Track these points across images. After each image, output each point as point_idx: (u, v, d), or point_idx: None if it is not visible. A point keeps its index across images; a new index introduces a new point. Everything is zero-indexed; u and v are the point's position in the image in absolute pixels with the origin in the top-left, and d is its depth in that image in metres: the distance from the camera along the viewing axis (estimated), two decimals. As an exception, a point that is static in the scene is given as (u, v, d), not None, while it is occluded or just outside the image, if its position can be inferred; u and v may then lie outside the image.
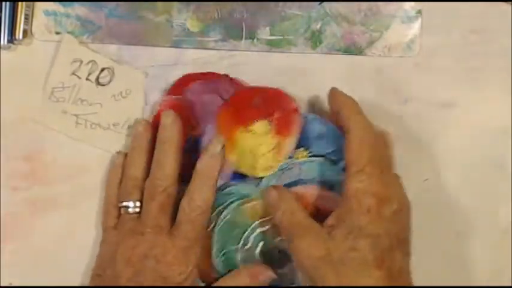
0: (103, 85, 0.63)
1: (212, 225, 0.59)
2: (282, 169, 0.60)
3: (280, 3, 0.63)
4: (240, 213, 0.59)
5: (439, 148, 0.63)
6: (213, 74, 0.62)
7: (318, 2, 0.63)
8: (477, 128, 0.63)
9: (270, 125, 0.60)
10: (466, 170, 0.63)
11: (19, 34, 0.62)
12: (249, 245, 0.59)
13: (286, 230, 0.56)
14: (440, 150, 0.63)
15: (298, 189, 0.59)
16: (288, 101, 0.60)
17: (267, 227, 0.59)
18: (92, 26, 0.63)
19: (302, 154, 0.60)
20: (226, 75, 0.62)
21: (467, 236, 0.63)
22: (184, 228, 0.56)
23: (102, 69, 0.63)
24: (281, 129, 0.60)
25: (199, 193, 0.57)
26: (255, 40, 0.63)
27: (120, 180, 0.60)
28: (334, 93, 0.59)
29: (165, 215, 0.57)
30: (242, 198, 0.59)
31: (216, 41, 0.63)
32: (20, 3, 0.61)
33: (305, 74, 0.64)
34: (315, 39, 0.63)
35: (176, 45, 0.63)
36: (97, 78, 0.63)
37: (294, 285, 0.59)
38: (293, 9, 0.63)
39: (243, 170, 0.60)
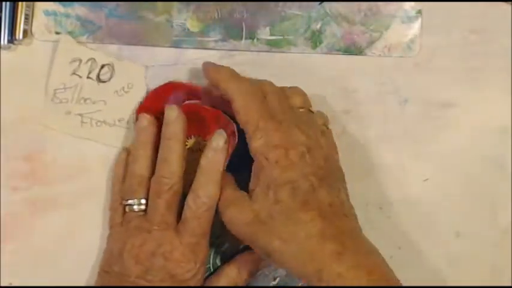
0: (104, 82, 0.63)
1: None
2: None
3: (280, 3, 0.63)
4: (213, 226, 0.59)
5: (439, 148, 0.63)
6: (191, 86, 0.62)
7: (318, 2, 0.63)
8: (477, 128, 0.63)
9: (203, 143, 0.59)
10: (466, 170, 0.63)
11: (19, 34, 0.62)
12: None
13: (220, 213, 0.56)
14: (440, 150, 0.63)
15: None
16: (226, 123, 0.59)
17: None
18: (92, 26, 0.63)
19: None
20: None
21: (467, 236, 0.63)
22: (190, 225, 0.56)
23: (102, 66, 0.63)
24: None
25: (205, 189, 0.56)
26: (255, 40, 0.63)
27: (125, 176, 0.60)
28: (205, 69, 0.60)
29: (172, 213, 0.57)
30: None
31: (216, 41, 0.63)
32: (20, 3, 0.61)
33: (305, 74, 0.64)
34: (315, 39, 0.63)
35: (176, 45, 0.63)
36: (98, 76, 0.63)
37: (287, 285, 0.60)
38: (293, 9, 0.63)
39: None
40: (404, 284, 0.60)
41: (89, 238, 0.62)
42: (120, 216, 0.59)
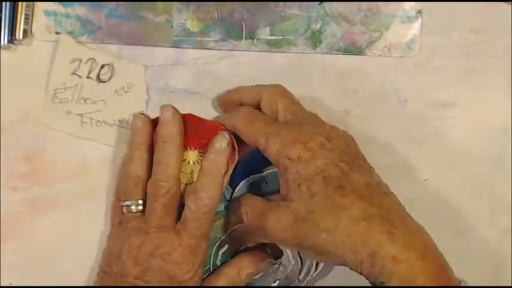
0: (104, 82, 0.63)
1: None
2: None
3: (280, 3, 0.63)
4: (213, 229, 0.59)
5: (439, 148, 0.63)
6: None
7: (318, 2, 0.63)
8: (477, 128, 0.63)
9: (201, 156, 0.58)
10: (466, 170, 0.63)
11: (19, 34, 0.62)
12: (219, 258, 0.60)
13: (254, 224, 0.56)
14: (440, 150, 0.63)
15: None
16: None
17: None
18: (92, 26, 0.63)
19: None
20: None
21: (467, 236, 0.63)
22: (191, 226, 0.56)
23: (102, 66, 0.63)
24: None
25: (206, 191, 0.56)
26: (255, 40, 0.63)
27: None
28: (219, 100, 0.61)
29: (170, 215, 0.56)
30: (217, 214, 0.59)
31: (216, 41, 0.63)
32: (20, 3, 0.61)
33: (305, 74, 0.64)
34: (315, 39, 0.63)
35: (176, 45, 0.63)
36: (98, 76, 0.63)
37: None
38: (293, 9, 0.63)
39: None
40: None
41: (89, 238, 0.62)
42: (119, 216, 0.58)
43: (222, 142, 0.57)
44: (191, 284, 0.56)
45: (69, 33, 0.62)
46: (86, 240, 0.62)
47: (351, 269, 0.51)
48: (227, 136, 0.57)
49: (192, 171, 0.58)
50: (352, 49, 0.64)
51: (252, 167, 0.60)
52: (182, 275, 0.56)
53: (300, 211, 0.52)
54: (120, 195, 0.59)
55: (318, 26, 0.63)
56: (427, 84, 0.63)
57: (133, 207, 0.57)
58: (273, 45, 0.63)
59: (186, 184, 0.58)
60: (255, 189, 0.61)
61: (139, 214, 0.57)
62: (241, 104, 0.60)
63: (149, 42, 0.63)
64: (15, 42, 0.62)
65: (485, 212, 0.63)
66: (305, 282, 0.61)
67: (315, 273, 0.61)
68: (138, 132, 0.59)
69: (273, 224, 0.53)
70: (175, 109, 0.58)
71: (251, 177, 0.60)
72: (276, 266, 0.60)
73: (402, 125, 0.63)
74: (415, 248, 0.50)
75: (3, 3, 0.61)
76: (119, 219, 0.58)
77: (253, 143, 0.56)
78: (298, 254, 0.60)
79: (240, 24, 0.63)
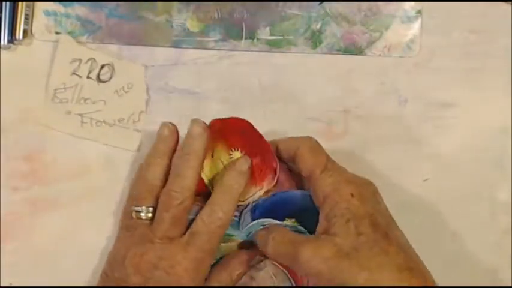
0: (104, 82, 0.63)
1: None
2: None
3: (280, 3, 0.63)
4: (218, 250, 0.58)
5: (439, 148, 0.63)
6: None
7: (318, 2, 0.63)
8: (477, 128, 0.63)
9: None
10: (466, 170, 0.63)
11: (19, 34, 0.62)
12: None
13: (284, 253, 0.55)
14: (440, 150, 0.63)
15: None
16: (272, 158, 0.58)
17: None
18: (92, 26, 0.63)
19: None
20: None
21: (467, 236, 0.63)
22: (201, 239, 0.55)
23: (102, 66, 0.63)
24: (252, 174, 0.58)
25: (222, 205, 0.55)
26: (255, 40, 0.63)
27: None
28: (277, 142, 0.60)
29: (178, 228, 0.55)
30: (227, 236, 0.58)
31: (216, 41, 0.63)
32: (20, 3, 0.61)
33: (305, 74, 0.64)
34: (314, 39, 0.63)
35: (176, 45, 0.63)
36: (98, 76, 0.63)
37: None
38: (293, 9, 0.63)
39: (207, 181, 0.59)
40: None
41: (89, 238, 0.62)
42: (128, 220, 0.57)
43: (243, 165, 0.57)
44: None
45: (69, 33, 0.63)
46: (86, 240, 0.62)
47: None
48: (249, 161, 0.57)
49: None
50: (352, 49, 0.64)
51: (272, 211, 0.58)
52: None
53: (344, 246, 0.52)
54: (132, 199, 0.58)
55: (318, 26, 0.63)
56: (427, 84, 0.63)
57: (143, 213, 0.56)
58: (273, 45, 0.63)
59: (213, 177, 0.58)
60: None
61: (148, 222, 0.56)
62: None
63: (149, 42, 0.63)
64: (15, 42, 0.62)
65: (485, 212, 0.63)
66: None
67: None
68: (162, 140, 0.58)
69: (310, 254, 0.52)
70: (205, 125, 0.57)
71: (269, 220, 0.58)
72: None
73: (402, 125, 0.63)
74: None
75: (3, 3, 0.61)
76: (128, 223, 0.57)
77: (308, 170, 0.56)
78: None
79: (240, 24, 0.63)
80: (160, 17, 0.63)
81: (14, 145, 0.62)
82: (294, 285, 0.60)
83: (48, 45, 0.63)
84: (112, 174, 0.62)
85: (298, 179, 0.60)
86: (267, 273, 0.61)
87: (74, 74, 0.62)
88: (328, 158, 0.56)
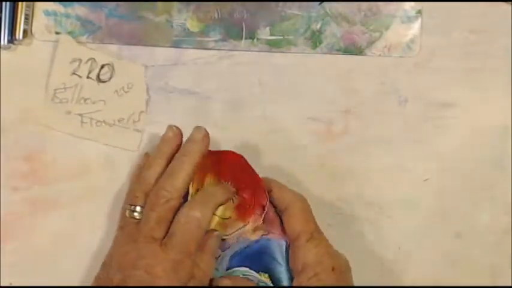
0: (104, 82, 0.63)
1: None
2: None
3: (280, 3, 0.63)
4: None
5: (439, 148, 0.63)
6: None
7: (318, 2, 0.63)
8: (477, 128, 0.63)
9: (234, 197, 0.59)
10: (466, 170, 0.63)
11: (19, 34, 0.62)
12: None
13: None
14: (440, 150, 0.63)
15: None
16: (262, 194, 0.58)
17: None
18: (92, 26, 0.63)
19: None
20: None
21: (467, 236, 0.63)
22: (178, 240, 0.54)
23: (102, 66, 0.63)
24: (240, 209, 0.58)
25: (201, 209, 0.55)
26: (255, 40, 0.63)
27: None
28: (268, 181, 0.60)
29: (162, 228, 0.55)
30: None
31: (216, 41, 0.63)
32: (20, 3, 0.61)
33: (305, 74, 0.64)
34: (314, 39, 0.63)
35: (176, 45, 0.63)
36: (98, 76, 0.63)
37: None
38: (293, 9, 0.63)
39: None
40: (404, 284, 0.60)
41: (89, 238, 0.62)
42: (123, 219, 0.58)
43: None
44: None
45: (69, 33, 0.62)
46: (86, 240, 0.61)
47: None
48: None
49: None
50: (352, 49, 0.64)
51: (251, 257, 0.58)
52: None
53: None
54: (127, 198, 0.58)
55: (318, 26, 0.63)
56: (427, 84, 0.63)
57: (136, 213, 0.56)
58: (273, 45, 0.63)
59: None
60: None
61: (137, 221, 0.56)
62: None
63: (149, 42, 0.63)
64: (15, 42, 0.62)
65: (485, 212, 0.63)
66: None
67: None
68: (166, 142, 0.59)
69: None
70: (206, 133, 0.58)
71: (247, 271, 0.58)
72: None
73: (402, 125, 0.63)
74: None
75: (3, 3, 0.61)
76: (122, 223, 0.58)
77: (295, 233, 0.57)
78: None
79: (240, 24, 0.63)
80: (160, 17, 0.63)
81: (14, 145, 0.62)
82: None
83: (48, 45, 0.62)
84: (112, 174, 0.62)
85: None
86: None
87: (74, 74, 0.62)
88: (316, 226, 0.57)
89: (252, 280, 0.58)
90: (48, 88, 0.62)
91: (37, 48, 0.63)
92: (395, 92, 0.64)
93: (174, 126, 0.59)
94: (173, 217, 0.55)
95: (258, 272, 0.58)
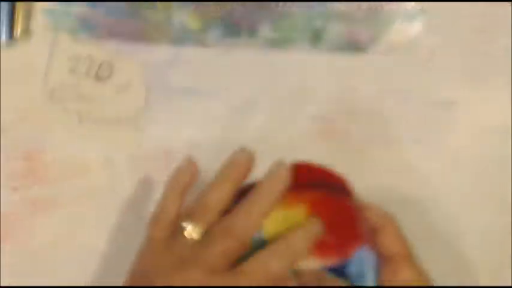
0: (103, 80, 0.63)
1: None
2: None
3: (281, 2, 0.63)
4: None
5: (439, 148, 0.63)
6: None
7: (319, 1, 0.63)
8: (477, 127, 0.64)
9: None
10: (467, 169, 0.63)
11: (18, 32, 0.61)
12: None
13: None
14: (441, 150, 0.63)
15: None
16: (350, 236, 0.52)
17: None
18: (91, 24, 0.63)
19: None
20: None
21: (467, 236, 0.63)
22: (245, 279, 0.49)
23: (101, 65, 0.62)
24: (319, 249, 0.51)
25: (281, 260, 0.50)
26: (255, 38, 0.63)
27: (184, 191, 0.53)
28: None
29: (229, 260, 0.50)
30: None
31: (216, 39, 0.63)
32: (19, 2, 0.61)
33: (305, 72, 0.64)
34: (315, 38, 0.63)
35: (176, 43, 0.63)
36: (96, 74, 0.62)
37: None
38: (293, 7, 0.63)
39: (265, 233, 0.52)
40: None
41: (89, 238, 0.61)
42: (163, 230, 0.52)
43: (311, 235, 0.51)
44: None
45: (68, 31, 0.62)
46: (86, 240, 0.61)
47: None
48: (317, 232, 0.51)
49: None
50: (353, 48, 0.64)
51: None
52: None
53: None
54: (169, 208, 0.53)
55: (319, 25, 0.63)
56: (427, 83, 0.64)
57: (195, 234, 0.51)
58: (274, 44, 0.63)
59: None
60: None
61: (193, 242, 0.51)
62: None
63: (148, 41, 0.63)
64: (14, 40, 0.61)
65: (485, 212, 0.63)
66: None
67: None
68: (235, 166, 0.53)
69: None
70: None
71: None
72: None
73: (402, 125, 0.63)
74: None
75: (2, 2, 0.61)
76: (163, 233, 0.52)
77: (389, 252, 0.53)
78: None
79: (240, 23, 0.63)
80: (160, 15, 0.63)
81: (14, 145, 0.62)
82: None
83: (47, 44, 0.62)
84: (112, 173, 0.62)
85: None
86: None
87: (72, 72, 0.62)
88: (410, 245, 0.54)
89: None
90: (45, 86, 0.62)
91: (36, 46, 0.62)
92: (396, 92, 0.64)
93: (248, 149, 0.54)
94: (241, 254, 0.50)
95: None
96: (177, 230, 0.51)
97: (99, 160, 0.62)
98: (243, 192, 0.52)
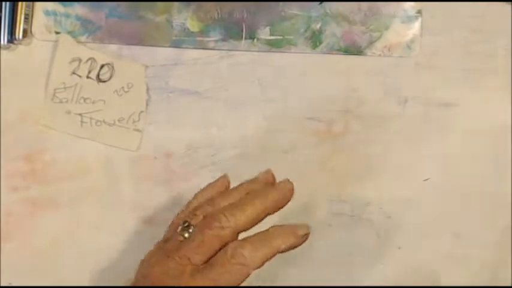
0: (104, 81, 0.63)
1: None
2: None
3: (281, 3, 0.63)
4: None
5: (439, 148, 0.63)
6: None
7: (318, 2, 0.63)
8: (477, 127, 0.63)
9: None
10: (466, 169, 0.63)
11: (19, 34, 0.62)
12: None
13: None
14: (441, 150, 0.63)
15: None
16: None
17: None
18: (92, 25, 0.63)
19: None
20: None
21: (467, 236, 0.63)
22: (216, 271, 0.48)
23: (102, 66, 0.63)
24: None
25: (253, 247, 0.48)
26: (255, 40, 0.63)
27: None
28: None
29: (202, 254, 0.49)
30: None
31: (216, 41, 0.63)
32: (20, 3, 0.61)
33: (305, 74, 0.64)
34: (314, 39, 0.63)
35: (176, 45, 0.63)
36: (98, 75, 0.63)
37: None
38: (293, 9, 0.63)
39: None
40: (404, 284, 0.60)
41: (89, 238, 0.62)
42: (171, 231, 0.52)
43: (302, 229, 0.50)
44: None
45: (69, 32, 0.62)
46: (86, 240, 0.62)
47: None
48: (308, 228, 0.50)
49: None
50: (352, 49, 0.64)
51: None
52: None
53: None
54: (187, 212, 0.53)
55: (318, 26, 0.63)
56: (427, 84, 0.63)
57: (186, 233, 0.50)
58: (273, 45, 0.63)
59: None
60: None
61: (183, 239, 0.50)
62: None
63: (149, 42, 0.63)
64: (15, 42, 0.62)
65: (485, 212, 0.63)
66: None
67: None
68: (255, 183, 0.54)
69: None
70: (293, 190, 0.52)
71: None
72: None
73: (402, 125, 0.63)
74: None
75: (3, 2, 0.61)
76: (170, 235, 0.52)
77: None
78: None
79: (240, 24, 0.63)
80: (161, 16, 0.63)
81: (14, 145, 0.62)
82: None
83: (48, 45, 0.62)
84: (112, 174, 0.62)
85: None
86: None
87: (73, 73, 0.62)
88: None
89: None
90: (48, 88, 0.62)
91: (37, 48, 0.63)
92: (396, 92, 0.63)
93: (272, 173, 0.55)
94: (219, 249, 0.49)
95: None
96: (176, 228, 0.51)
97: (99, 160, 0.62)
98: None
